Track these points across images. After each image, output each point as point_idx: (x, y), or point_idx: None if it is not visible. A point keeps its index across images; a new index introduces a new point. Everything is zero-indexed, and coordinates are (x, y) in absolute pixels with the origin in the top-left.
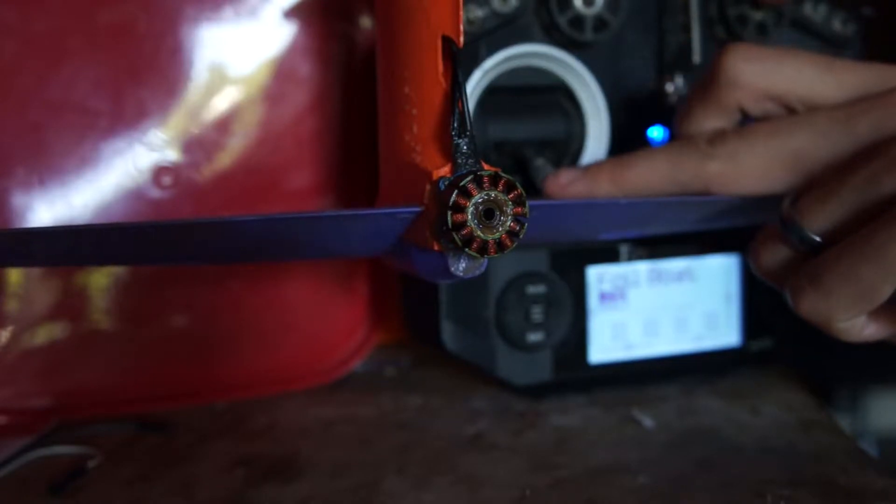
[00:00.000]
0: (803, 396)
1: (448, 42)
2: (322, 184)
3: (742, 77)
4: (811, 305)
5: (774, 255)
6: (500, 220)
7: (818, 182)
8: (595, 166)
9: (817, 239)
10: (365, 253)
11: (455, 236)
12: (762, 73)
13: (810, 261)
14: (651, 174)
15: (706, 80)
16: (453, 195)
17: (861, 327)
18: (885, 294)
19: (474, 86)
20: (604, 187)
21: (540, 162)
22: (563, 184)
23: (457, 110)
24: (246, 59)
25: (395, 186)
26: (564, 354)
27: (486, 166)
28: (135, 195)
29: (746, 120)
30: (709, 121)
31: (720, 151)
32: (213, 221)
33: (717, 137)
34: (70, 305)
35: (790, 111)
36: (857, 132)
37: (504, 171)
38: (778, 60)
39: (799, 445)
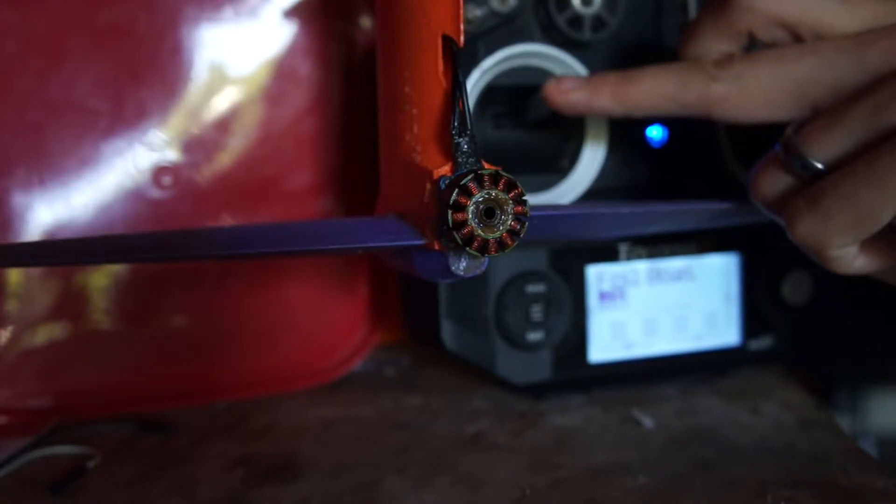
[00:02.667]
0: (803, 396)
1: (448, 41)
2: (322, 184)
3: (757, 1)
4: (807, 229)
5: (775, 182)
6: (500, 218)
7: (823, 110)
8: (599, 77)
9: (820, 166)
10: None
11: (456, 235)
12: None
13: (810, 185)
14: (654, 93)
15: (719, 2)
16: (454, 194)
17: (853, 257)
18: (884, 219)
19: (473, 85)
20: (604, 100)
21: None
22: (565, 89)
23: (457, 109)
24: (246, 59)
25: (396, 186)
26: (564, 354)
27: (486, 165)
28: (135, 195)
29: (754, 46)
30: (717, 43)
31: (726, 74)
32: (210, 235)
33: (725, 60)
34: (70, 305)
35: (799, 40)
36: (866, 62)
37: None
38: None
39: (799, 445)
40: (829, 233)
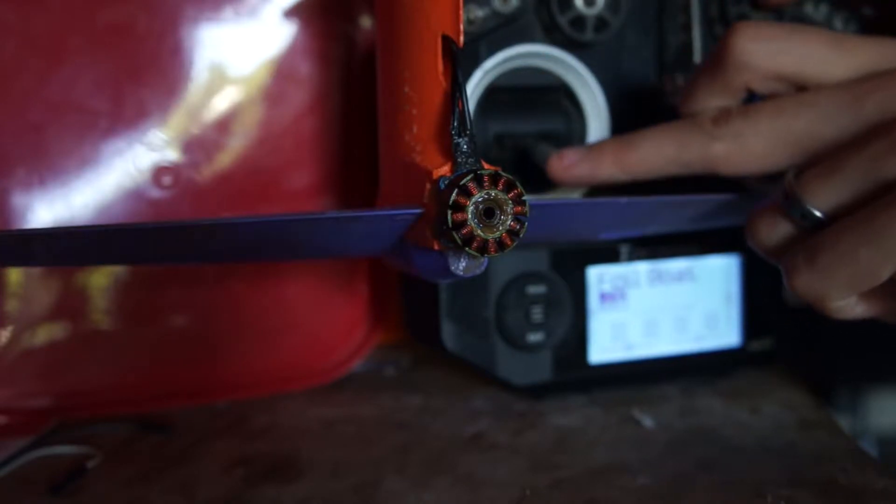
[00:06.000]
0: (803, 396)
1: (448, 42)
2: (322, 184)
3: (750, 59)
4: (806, 284)
5: (774, 229)
6: (500, 219)
7: (823, 158)
8: (598, 147)
9: (819, 215)
10: (365, 253)
11: (455, 235)
12: (771, 53)
13: (808, 238)
14: (655, 155)
15: (713, 60)
16: (453, 194)
17: (853, 306)
18: (884, 276)
19: (475, 86)
20: (607, 169)
21: (543, 147)
22: (567, 165)
23: (457, 110)
24: (246, 59)
25: (396, 186)
26: (564, 354)
27: (486, 165)
28: (135, 195)
29: (752, 97)
30: (714, 100)
31: (725, 132)
32: (212, 223)
33: (722, 117)
34: (70, 305)
35: (798, 89)
36: (863, 113)
37: (506, 165)
38: (787, 40)
39: (799, 445)
40: (829, 288)
